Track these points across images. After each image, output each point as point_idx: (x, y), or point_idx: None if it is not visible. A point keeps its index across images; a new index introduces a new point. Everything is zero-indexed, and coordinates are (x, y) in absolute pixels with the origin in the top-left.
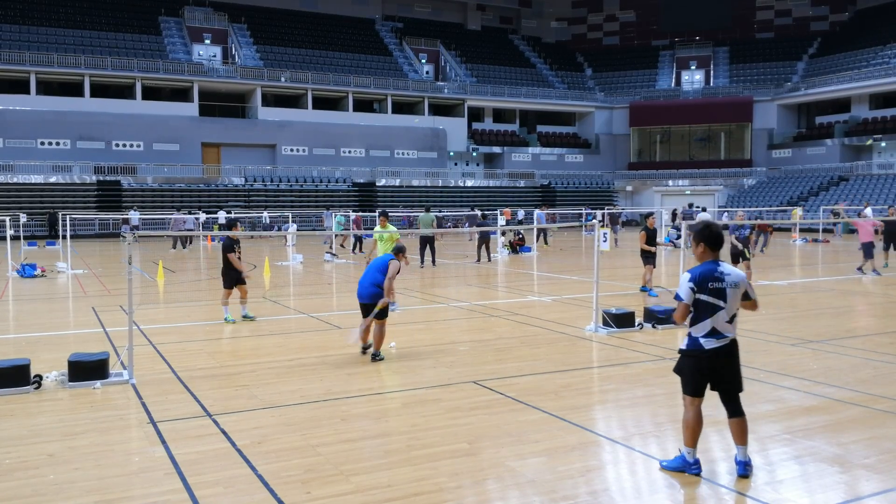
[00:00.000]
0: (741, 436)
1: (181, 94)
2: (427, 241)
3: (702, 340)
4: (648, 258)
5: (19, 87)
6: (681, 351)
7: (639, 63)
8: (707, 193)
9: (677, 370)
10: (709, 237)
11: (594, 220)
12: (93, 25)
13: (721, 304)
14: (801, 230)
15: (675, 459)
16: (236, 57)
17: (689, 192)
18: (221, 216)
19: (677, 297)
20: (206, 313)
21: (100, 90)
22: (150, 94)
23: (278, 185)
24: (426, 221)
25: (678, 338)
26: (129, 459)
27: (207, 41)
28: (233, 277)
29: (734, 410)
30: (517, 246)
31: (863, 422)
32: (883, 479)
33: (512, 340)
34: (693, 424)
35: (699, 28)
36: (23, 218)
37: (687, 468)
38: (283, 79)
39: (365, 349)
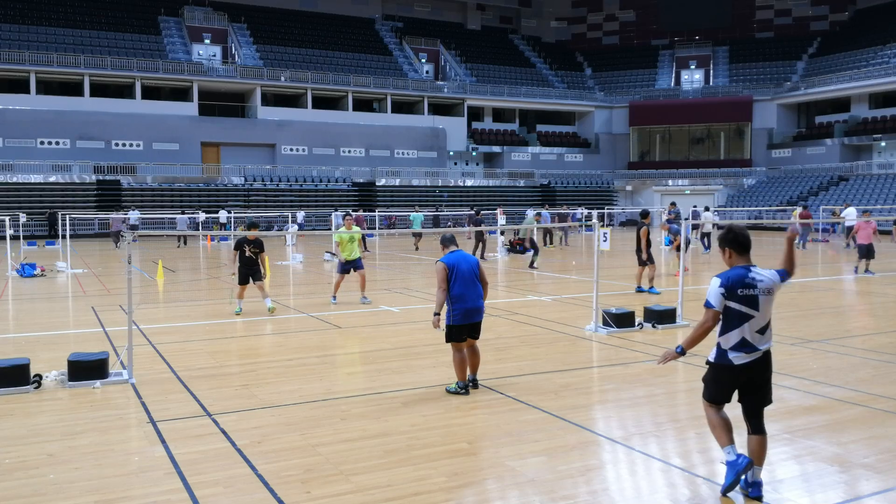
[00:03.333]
0: (760, 456)
1: (181, 94)
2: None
3: (731, 355)
4: (650, 257)
5: (19, 86)
6: (708, 363)
7: (638, 62)
8: (707, 193)
9: (704, 380)
10: (733, 241)
11: (594, 221)
12: (92, 25)
13: (752, 312)
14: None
15: (728, 474)
16: (236, 56)
17: (688, 192)
18: (223, 216)
19: (707, 304)
20: (205, 313)
21: (99, 90)
22: (150, 93)
23: (278, 185)
24: (527, 221)
25: (678, 337)
26: (129, 459)
27: (207, 41)
28: (243, 273)
29: (757, 426)
30: (517, 245)
31: (862, 421)
32: (883, 478)
33: (512, 340)
34: (719, 423)
35: (699, 27)
36: (22, 217)
37: (741, 470)
38: (282, 78)
39: (473, 382)
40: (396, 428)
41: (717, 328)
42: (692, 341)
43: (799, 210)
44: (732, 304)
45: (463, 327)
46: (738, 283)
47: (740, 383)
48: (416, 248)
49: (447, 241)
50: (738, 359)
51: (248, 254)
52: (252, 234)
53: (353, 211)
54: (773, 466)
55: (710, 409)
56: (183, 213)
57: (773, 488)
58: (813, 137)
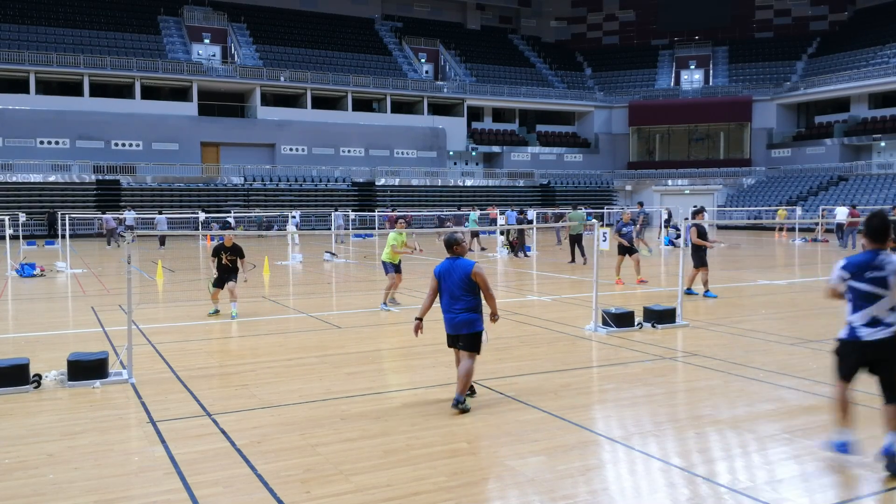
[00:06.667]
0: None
1: (180, 94)
2: (578, 238)
3: (860, 331)
4: (701, 259)
5: (19, 86)
6: (838, 340)
7: (638, 62)
8: (706, 193)
9: (835, 353)
10: (868, 228)
11: (592, 221)
12: (92, 25)
13: (882, 292)
14: (801, 230)
15: (835, 445)
16: (235, 56)
17: (688, 192)
18: (230, 219)
19: (830, 281)
20: (205, 312)
21: (99, 90)
22: (150, 93)
23: (277, 185)
24: (576, 218)
25: (678, 337)
26: (129, 459)
27: (207, 40)
28: (219, 279)
29: (891, 397)
30: (517, 245)
31: (862, 421)
32: (882, 478)
33: (511, 340)
34: (842, 403)
35: (698, 27)
36: (22, 217)
37: (841, 454)
38: (282, 78)
39: (455, 401)
40: (396, 428)
41: (848, 308)
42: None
43: (799, 212)
44: (860, 285)
45: (449, 336)
46: (864, 266)
47: (868, 361)
48: (470, 249)
49: (446, 246)
50: (868, 335)
51: (224, 261)
52: (228, 240)
53: (354, 210)
54: (773, 466)
55: (838, 386)
56: (160, 213)
57: (773, 488)
58: (812, 137)
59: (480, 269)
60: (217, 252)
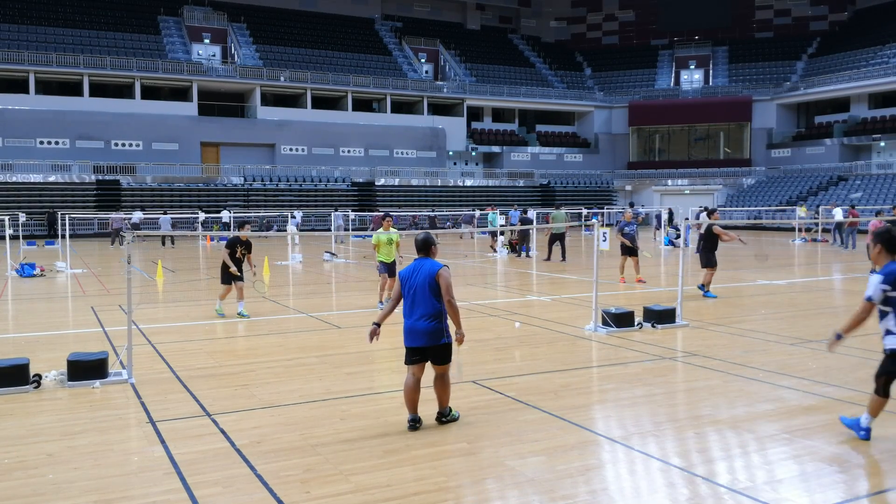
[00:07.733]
0: None
1: (180, 94)
2: (559, 237)
3: None
4: (709, 259)
5: (18, 86)
6: (891, 351)
7: (638, 62)
8: (706, 193)
9: (887, 370)
10: (887, 241)
11: (594, 221)
12: (92, 25)
13: None
14: (800, 230)
15: (854, 420)
16: (235, 56)
17: (687, 192)
18: (225, 216)
19: (868, 299)
20: (205, 312)
21: (99, 90)
22: (150, 93)
23: (277, 185)
24: (559, 218)
25: (677, 337)
26: (128, 459)
27: (207, 40)
28: (228, 273)
29: None
30: (516, 245)
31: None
32: (882, 478)
33: (511, 340)
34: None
35: (698, 27)
36: (22, 217)
37: (857, 430)
38: (282, 78)
39: (414, 422)
40: (396, 428)
41: (888, 319)
42: (849, 329)
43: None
44: None
45: (408, 349)
46: None
47: None
48: (493, 249)
49: (416, 247)
50: None
51: (238, 255)
52: (244, 235)
53: (353, 210)
54: (773, 466)
55: (878, 384)
56: (165, 213)
57: (773, 488)
58: (812, 137)
59: (447, 272)
60: (233, 244)
